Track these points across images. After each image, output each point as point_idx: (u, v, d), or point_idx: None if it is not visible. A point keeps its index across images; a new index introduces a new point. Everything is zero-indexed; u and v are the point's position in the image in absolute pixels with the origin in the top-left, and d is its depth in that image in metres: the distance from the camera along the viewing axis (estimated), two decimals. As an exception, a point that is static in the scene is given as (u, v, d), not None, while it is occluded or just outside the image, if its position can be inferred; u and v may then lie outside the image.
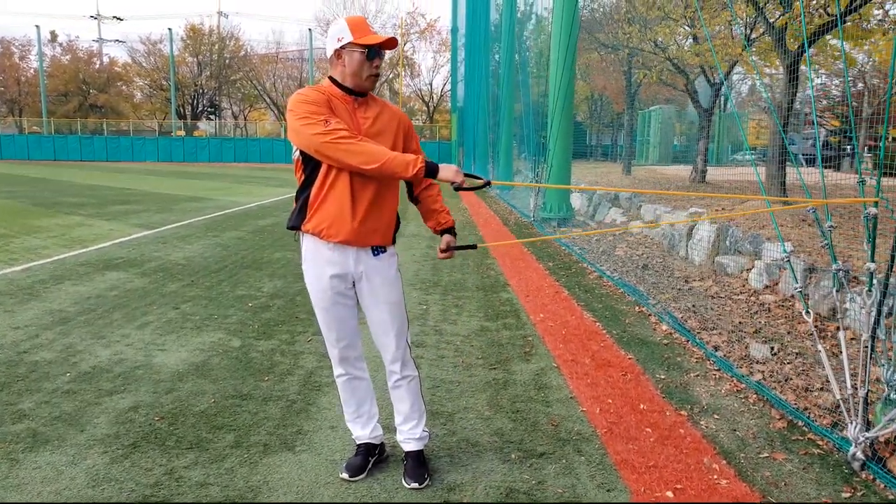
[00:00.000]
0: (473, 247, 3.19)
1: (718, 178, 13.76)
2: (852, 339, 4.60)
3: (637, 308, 5.69)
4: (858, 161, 3.65)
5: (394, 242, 2.73)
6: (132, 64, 57.94)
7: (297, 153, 2.52)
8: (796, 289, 3.80)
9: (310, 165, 2.50)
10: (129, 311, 5.19)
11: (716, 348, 4.55)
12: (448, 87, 56.06)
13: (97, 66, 58.28)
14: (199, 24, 55.94)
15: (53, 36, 59.27)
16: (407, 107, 62.99)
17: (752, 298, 5.84)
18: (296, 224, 2.59)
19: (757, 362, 4.27)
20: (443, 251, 2.83)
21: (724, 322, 5.17)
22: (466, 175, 2.53)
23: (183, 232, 9.79)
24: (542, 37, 17.09)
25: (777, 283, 5.92)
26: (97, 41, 60.49)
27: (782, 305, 5.53)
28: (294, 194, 2.62)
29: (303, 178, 2.55)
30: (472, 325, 5.06)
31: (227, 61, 56.52)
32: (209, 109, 59.97)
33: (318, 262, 2.58)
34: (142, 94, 60.73)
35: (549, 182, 11.20)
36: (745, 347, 4.54)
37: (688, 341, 4.73)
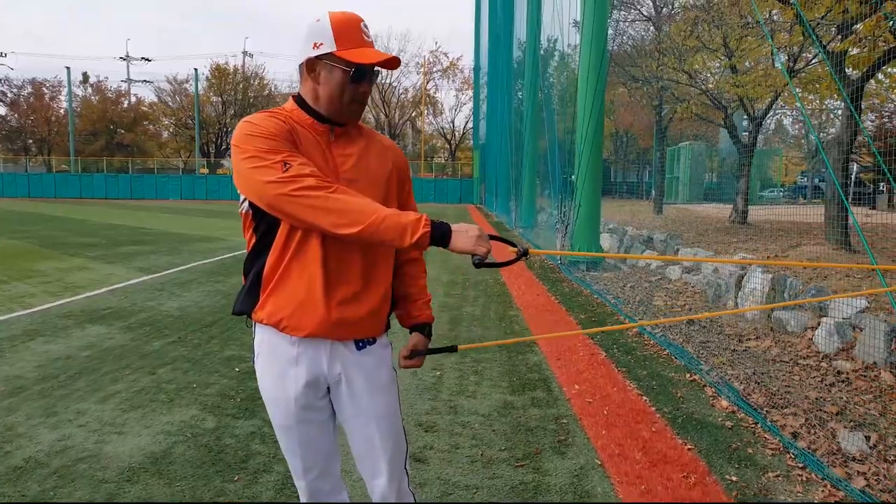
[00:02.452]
0: (453, 349, 2.20)
1: (760, 219, 12.86)
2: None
3: (688, 375, 4.85)
4: None
5: (387, 329, 1.96)
6: (158, 103, 58.98)
7: (245, 205, 1.75)
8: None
9: (263, 224, 1.74)
10: (97, 379, 4.48)
11: (794, 436, 3.69)
12: (470, 124, 56.07)
13: (125, 105, 59.36)
14: (224, 64, 56.84)
15: (85, 77, 60.69)
16: (429, 144, 63.08)
17: (824, 365, 4.97)
18: (243, 309, 1.81)
19: (853, 459, 3.40)
20: (406, 358, 2.01)
21: (796, 396, 4.31)
22: (495, 239, 1.72)
23: (185, 277, 9.16)
24: (566, 73, 16.54)
25: (853, 347, 5.05)
26: (125, 82, 61.79)
27: (864, 376, 4.65)
28: (243, 263, 1.85)
29: (254, 241, 1.78)
30: (495, 399, 4.26)
31: (251, 100, 57.19)
32: (233, 148, 60.66)
33: (277, 363, 1.80)
34: (167, 132, 61.64)
35: (578, 223, 10.42)
36: (832, 436, 3.67)
37: (756, 423, 3.88)
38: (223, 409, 3.94)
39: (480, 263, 1.67)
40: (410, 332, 2.04)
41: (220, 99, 57.32)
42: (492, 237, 1.70)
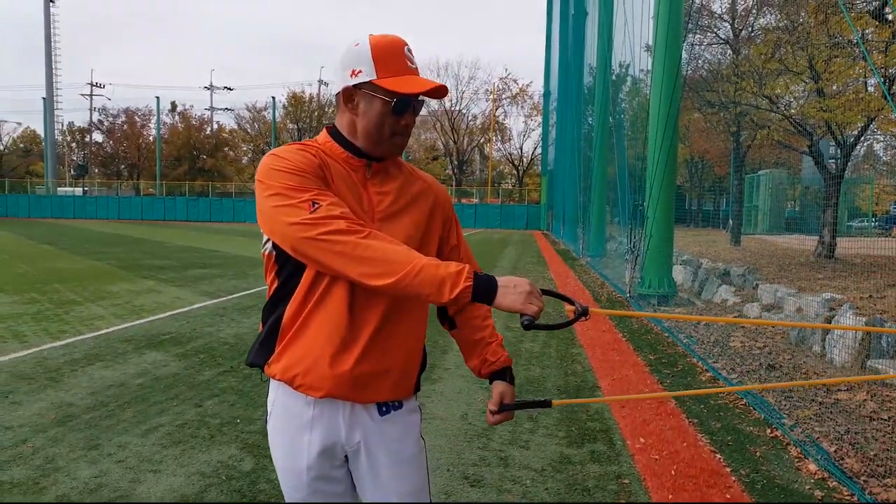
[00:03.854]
0: (546, 404, 1.82)
1: (849, 253, 11.95)
2: None
3: (769, 431, 4.37)
4: None
5: (417, 391, 1.72)
6: (238, 130, 61.55)
7: (269, 246, 1.56)
8: None
9: (287, 268, 1.54)
10: (145, 409, 4.42)
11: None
12: (538, 150, 55.78)
13: (207, 132, 62.27)
14: (300, 93, 58.85)
15: (173, 106, 64.12)
16: (497, 170, 63.05)
17: (931, 426, 4.40)
18: (256, 361, 1.62)
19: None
20: (494, 413, 1.73)
21: (897, 462, 3.79)
22: (549, 294, 1.49)
23: (246, 302, 9.22)
24: (638, 98, 16.10)
25: (964, 405, 4.45)
26: (208, 110, 64.83)
27: (979, 441, 4.07)
28: (262, 309, 1.66)
29: (275, 286, 1.59)
30: (550, 451, 3.93)
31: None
32: (307, 173, 62.63)
33: (289, 425, 1.60)
34: (246, 158, 64.16)
35: (649, 255, 9.94)
36: (945, 515, 3.18)
37: (853, 495, 3.40)
38: (263, 448, 3.78)
39: (530, 325, 1.44)
40: (491, 383, 1.78)
41: (295, 126, 59.27)
42: (546, 292, 1.48)
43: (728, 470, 3.70)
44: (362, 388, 1.55)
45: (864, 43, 8.58)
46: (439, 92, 1.55)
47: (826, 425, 4.39)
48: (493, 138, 59.43)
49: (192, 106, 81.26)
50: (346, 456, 1.62)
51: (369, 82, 1.52)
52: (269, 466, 3.52)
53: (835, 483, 3.53)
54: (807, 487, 3.49)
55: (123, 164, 63.04)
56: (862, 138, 11.75)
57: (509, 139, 62.95)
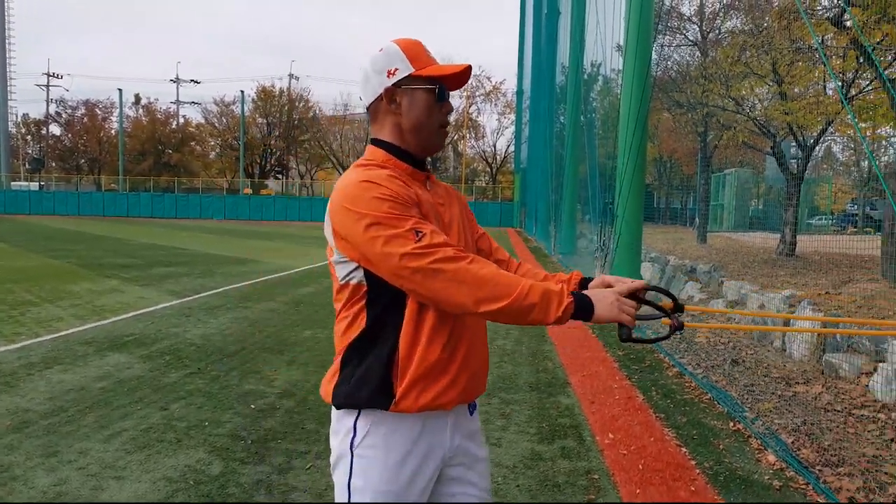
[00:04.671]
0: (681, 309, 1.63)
1: (808, 251, 12.25)
2: None
3: (732, 424, 4.47)
4: None
5: None
6: (205, 124, 60.53)
7: (357, 275, 1.51)
8: None
9: (382, 301, 1.51)
10: (107, 414, 4.33)
11: (851, 502, 3.31)
12: (512, 148, 55.98)
13: (173, 126, 61.12)
14: (270, 87, 58.08)
15: (137, 99, 62.80)
16: (470, 168, 63.20)
17: (882, 416, 4.54)
18: (373, 403, 1.51)
19: (923, 535, 3.02)
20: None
21: (851, 453, 3.91)
22: (640, 301, 1.51)
23: (214, 302, 9.08)
24: (609, 98, 16.26)
25: (916, 398, 4.60)
26: (174, 103, 63.68)
27: (929, 432, 4.21)
28: (339, 348, 1.59)
29: (364, 319, 1.53)
30: (521, 447, 3.96)
31: (295, 122, 58.22)
32: (277, 169, 61.67)
33: (398, 455, 1.53)
34: (213, 153, 63.16)
35: (618, 252, 10.06)
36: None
37: (808, 485, 3.50)
38: (232, 451, 3.74)
39: (627, 338, 1.46)
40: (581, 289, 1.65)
41: (265, 120, 58.53)
42: (638, 299, 1.51)
43: (693, 463, 3.77)
44: (472, 386, 1.60)
45: (823, 48, 8.79)
46: (468, 73, 1.60)
47: (784, 417, 4.51)
48: (467, 135, 59.48)
49: (156, 99, 79.61)
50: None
51: (408, 76, 1.55)
52: (238, 471, 3.48)
53: (792, 473, 3.63)
54: (766, 478, 3.58)
55: (83, 159, 61.47)
56: (821, 140, 12.04)
57: (483, 136, 63.02)
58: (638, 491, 3.40)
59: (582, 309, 1.42)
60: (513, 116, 53.63)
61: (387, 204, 1.43)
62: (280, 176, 62.61)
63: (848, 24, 6.98)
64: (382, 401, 1.51)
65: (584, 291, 1.46)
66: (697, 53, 16.56)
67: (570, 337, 7.30)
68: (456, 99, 62.94)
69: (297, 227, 36.92)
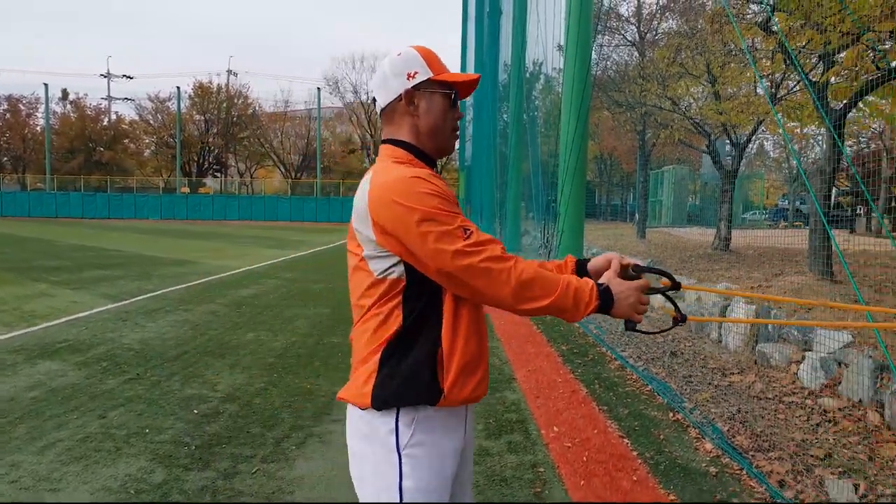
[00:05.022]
0: (676, 287, 1.70)
1: (742, 245, 12.76)
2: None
3: (671, 415, 4.62)
4: None
5: None
6: (139, 121, 58.40)
7: (398, 270, 1.52)
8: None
9: (422, 297, 1.53)
10: (39, 424, 4.16)
11: (781, 484, 3.48)
12: (456, 145, 56.11)
13: (104, 123, 58.74)
14: (207, 83, 56.54)
15: (65, 94, 60.07)
16: (413, 165, 63.17)
17: (809, 402, 4.77)
18: (421, 399, 1.52)
19: (845, 513, 3.20)
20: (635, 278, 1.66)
21: (781, 438, 4.11)
22: (653, 291, 1.61)
23: (152, 305, 8.81)
24: (551, 96, 16.50)
25: (838, 383, 4.86)
26: (106, 99, 61.24)
27: (850, 415, 4.44)
28: (373, 347, 1.55)
29: (400, 315, 1.53)
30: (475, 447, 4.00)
31: (234, 119, 56.86)
32: (215, 167, 60.15)
33: (441, 451, 1.56)
34: (148, 151, 61.04)
35: (561, 248, 10.25)
36: (820, 484, 3.47)
37: (742, 470, 3.66)
38: (175, 458, 3.65)
39: (632, 329, 1.58)
40: (581, 274, 1.73)
41: (202, 118, 56.95)
42: (651, 290, 1.59)
43: (635, 454, 3.89)
44: (489, 380, 1.66)
45: (753, 51, 9.16)
46: (476, 83, 1.68)
47: (720, 406, 4.70)
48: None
49: (86, 95, 76.49)
50: None
51: (427, 80, 1.61)
52: (181, 477, 3.40)
53: (727, 459, 3.79)
54: (703, 465, 3.73)
55: (6, 157, 58.43)
56: (753, 138, 12.55)
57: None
58: (582, 482, 3.49)
59: (605, 306, 1.51)
60: (456, 114, 53.74)
61: (437, 200, 1.46)
62: (218, 174, 61.10)
63: (775, 28, 7.30)
64: (430, 397, 1.51)
65: (613, 288, 1.53)
66: (635, 53, 17.01)
67: (515, 333, 7.40)
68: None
69: (237, 227, 36.13)
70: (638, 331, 1.59)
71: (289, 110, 61.50)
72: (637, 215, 18.44)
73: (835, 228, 12.57)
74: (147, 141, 60.16)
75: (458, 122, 1.69)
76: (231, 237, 26.14)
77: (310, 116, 59.40)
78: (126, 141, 59.16)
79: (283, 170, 60.31)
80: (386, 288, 1.53)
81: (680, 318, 1.65)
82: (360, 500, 1.56)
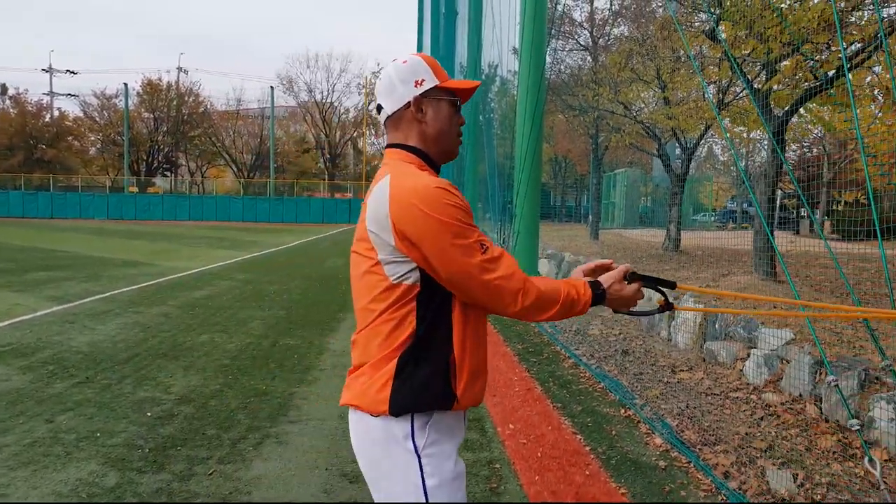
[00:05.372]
0: (671, 285, 1.85)
1: (692, 246, 13.14)
2: (887, 460, 3.75)
3: (623, 411, 4.76)
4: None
5: None
6: (84, 118, 56.50)
7: (413, 276, 1.54)
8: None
9: (432, 304, 1.56)
10: (-16, 429, 4.04)
11: (726, 475, 3.63)
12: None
13: (46, 119, 56.67)
14: (156, 80, 55.14)
15: (4, 89, 57.83)
16: (371, 165, 62.86)
17: (754, 397, 4.98)
18: (437, 404, 1.56)
19: (782, 499, 3.36)
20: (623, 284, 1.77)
21: (727, 432, 4.28)
22: (643, 280, 1.77)
23: (101, 307, 8.58)
24: (506, 99, 16.69)
25: (780, 379, 5.08)
26: (48, 94, 59.13)
27: (791, 409, 4.66)
28: (387, 352, 1.57)
29: (413, 320, 1.55)
30: (425, 443, 4.05)
31: (185, 117, 55.59)
32: (165, 166, 58.72)
33: (453, 447, 1.62)
34: (94, 149, 59.12)
35: (517, 249, 10.39)
36: (762, 474, 3.63)
37: (689, 463, 3.81)
38: (128, 461, 3.60)
39: (621, 312, 1.75)
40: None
41: (151, 115, 55.51)
42: (645, 281, 1.76)
43: (587, 449, 4.00)
44: None
45: (701, 58, 9.47)
46: (475, 90, 1.73)
47: (670, 402, 4.86)
48: (367, 132, 59.09)
49: (26, 90, 73.71)
50: None
51: (434, 87, 1.65)
52: (135, 480, 3.36)
53: (676, 453, 3.93)
54: (653, 459, 3.86)
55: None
56: (702, 142, 12.94)
57: (383, 134, 62.73)
58: (536, 477, 3.58)
59: (599, 298, 1.67)
60: (413, 115, 53.69)
61: (460, 212, 1.50)
62: (168, 173, 59.67)
63: (722, 36, 7.58)
64: (445, 402, 1.56)
65: (608, 287, 1.69)
66: (588, 58, 17.32)
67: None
68: (355, 96, 62.38)
69: (188, 227, 35.36)
70: (626, 313, 1.74)
71: (241, 109, 60.53)
72: (591, 217, 18.79)
73: (781, 230, 13.05)
74: (93, 138, 58.27)
75: (461, 127, 1.72)
76: (182, 238, 25.57)
77: (263, 115, 58.56)
78: (70, 138, 57.13)
79: (235, 169, 59.26)
80: (401, 293, 1.55)
81: (666, 305, 1.79)
82: (383, 502, 1.59)
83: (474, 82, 1.71)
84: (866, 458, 3.01)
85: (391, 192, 1.52)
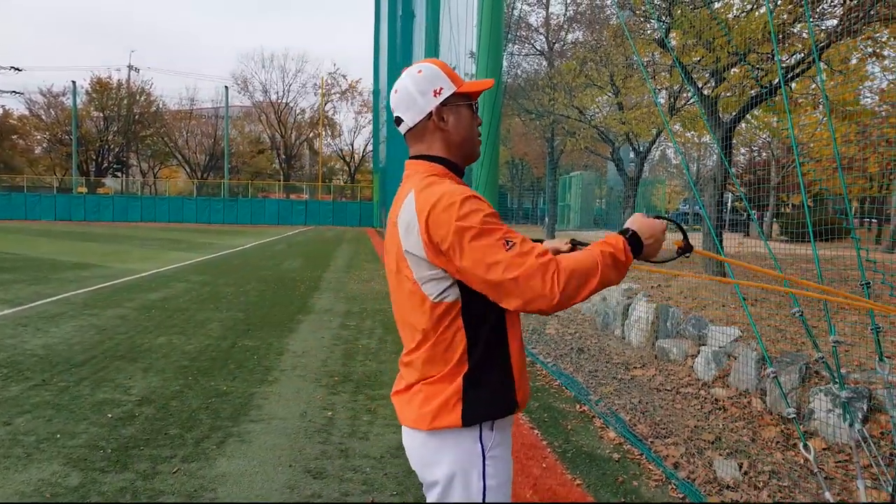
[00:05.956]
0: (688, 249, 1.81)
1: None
2: (825, 449, 4.00)
3: (578, 406, 4.94)
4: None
5: None
6: (30, 117, 54.61)
7: (452, 294, 1.55)
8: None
9: (481, 309, 1.57)
10: (-61, 433, 3.98)
11: (676, 466, 3.83)
12: (370, 147, 55.90)
13: (-11, 117, 54.60)
14: (106, 78, 53.67)
15: (-57, 85, 55.41)
16: (327, 166, 62.38)
17: (703, 392, 5.22)
18: (509, 409, 1.64)
19: (727, 487, 3.57)
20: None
21: (677, 426, 4.49)
22: (671, 221, 1.72)
23: (54, 310, 8.41)
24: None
25: (728, 375, 5.33)
26: (-8, 92, 56.91)
27: (737, 403, 4.91)
28: (449, 371, 1.60)
29: (464, 335, 1.57)
30: (388, 439, 4.15)
31: (136, 117, 54.25)
32: (115, 166, 57.19)
33: (509, 448, 1.70)
34: (40, 148, 57.16)
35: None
36: (709, 464, 3.84)
37: (642, 455, 3.99)
38: (90, 462, 3.60)
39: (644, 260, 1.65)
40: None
41: (101, 114, 53.98)
42: (658, 217, 1.67)
43: (544, 443, 4.16)
44: None
45: (653, 65, 9.79)
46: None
47: (623, 398, 5.06)
48: (323, 133, 58.62)
49: (-32, 88, 70.73)
50: None
51: (453, 94, 1.64)
52: (99, 480, 3.37)
53: (629, 446, 4.11)
54: (607, 452, 4.03)
55: None
56: (654, 146, 13.34)
57: (340, 135, 62.26)
58: (497, 469, 3.70)
59: (637, 250, 1.59)
60: (370, 115, 53.64)
61: (488, 217, 1.49)
62: (119, 174, 58.15)
63: (673, 43, 7.87)
64: (509, 407, 1.64)
65: (639, 228, 1.61)
66: (544, 63, 17.63)
67: (431, 333, 7.58)
68: (311, 96, 61.79)
69: (141, 229, 34.56)
70: (647, 260, 1.65)
71: (195, 108, 59.39)
72: (547, 219, 19.11)
73: (732, 232, 13.51)
74: (39, 137, 56.36)
75: (479, 127, 1.74)
76: (135, 239, 25.00)
77: (217, 115, 57.57)
78: (14, 137, 55.18)
79: (188, 170, 58.09)
80: (443, 311, 1.56)
81: (685, 247, 1.74)
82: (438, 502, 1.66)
83: (489, 81, 1.71)
84: (801, 445, 3.23)
85: (418, 206, 1.53)
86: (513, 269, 1.43)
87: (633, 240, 1.58)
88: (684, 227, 1.73)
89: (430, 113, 1.65)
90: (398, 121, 1.71)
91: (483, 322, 1.58)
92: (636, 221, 1.64)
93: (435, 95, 1.64)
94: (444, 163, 1.68)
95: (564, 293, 1.44)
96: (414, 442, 1.67)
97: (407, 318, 1.65)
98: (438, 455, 1.62)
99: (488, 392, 1.60)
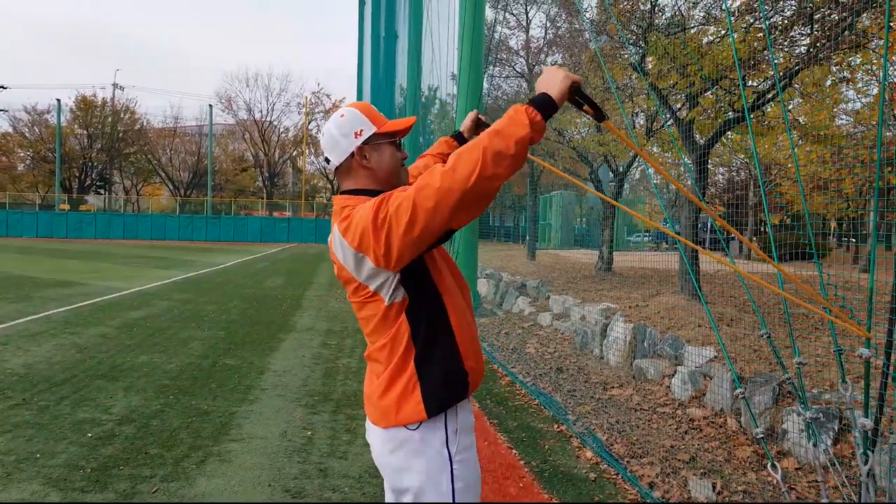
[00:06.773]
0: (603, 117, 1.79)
1: (624, 266, 13.70)
2: (797, 468, 4.11)
3: (556, 426, 5.02)
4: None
5: None
6: (13, 134, 54.19)
7: (399, 294, 1.73)
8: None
9: (422, 296, 1.76)
10: (-83, 453, 3.97)
11: (651, 486, 3.91)
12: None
13: (-28, 134, 54.06)
14: (91, 96, 53.46)
15: (-75, 101, 54.83)
16: (310, 184, 62.42)
17: (679, 412, 5.32)
18: (463, 392, 1.78)
19: (700, 506, 3.66)
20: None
21: (653, 445, 4.58)
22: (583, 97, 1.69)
23: (35, 328, 8.37)
24: (446, 120, 17.04)
25: (703, 395, 5.44)
26: (-26, 109, 56.40)
27: (712, 423, 5.01)
28: (401, 365, 1.76)
29: (407, 325, 1.74)
30: (367, 459, 4.19)
31: (120, 134, 54.01)
32: (98, 183, 56.81)
33: (474, 449, 1.84)
34: (23, 165, 56.64)
35: (459, 261, 10.62)
36: (684, 484, 3.93)
37: (618, 475, 4.07)
38: (70, 482, 3.62)
39: (580, 93, 1.64)
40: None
41: (85, 132, 53.68)
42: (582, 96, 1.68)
43: (522, 463, 4.23)
44: None
45: (631, 88, 10.01)
46: (412, 126, 1.88)
47: (601, 418, 5.15)
48: (307, 151, 58.69)
49: (-48, 104, 70.02)
50: None
51: (373, 134, 1.81)
52: (79, 499, 3.39)
53: (605, 466, 4.19)
54: (584, 471, 4.11)
55: None
56: (632, 167, 13.56)
57: (323, 153, 62.32)
58: (474, 488, 3.77)
59: (542, 105, 1.58)
60: (355, 135, 53.53)
61: (395, 194, 1.60)
62: (102, 191, 57.72)
63: (649, 67, 8.08)
64: (466, 388, 1.78)
65: (542, 83, 1.63)
66: (525, 84, 17.89)
67: (413, 352, 7.63)
68: (295, 115, 61.79)
69: (123, 246, 34.29)
70: (584, 95, 1.66)
71: (179, 126, 59.28)
72: (528, 237, 19.28)
73: (712, 252, 13.71)
74: (22, 155, 55.87)
75: (405, 160, 1.89)
76: (117, 257, 24.80)
77: (201, 133, 57.48)
78: (-2, 154, 54.65)
79: (171, 187, 57.82)
80: (395, 311, 1.74)
81: (598, 116, 1.74)
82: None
83: (409, 120, 1.85)
84: (769, 464, 3.32)
85: (341, 231, 1.72)
86: (422, 194, 1.53)
87: (536, 100, 1.60)
88: (593, 100, 1.73)
89: (353, 153, 1.81)
90: (327, 160, 1.87)
91: (423, 308, 1.74)
92: (540, 82, 1.67)
93: (356, 137, 1.81)
94: (370, 193, 1.79)
95: (457, 172, 1.51)
96: (380, 440, 1.81)
97: (366, 327, 1.84)
98: (408, 461, 1.73)
99: (442, 378, 1.73)
